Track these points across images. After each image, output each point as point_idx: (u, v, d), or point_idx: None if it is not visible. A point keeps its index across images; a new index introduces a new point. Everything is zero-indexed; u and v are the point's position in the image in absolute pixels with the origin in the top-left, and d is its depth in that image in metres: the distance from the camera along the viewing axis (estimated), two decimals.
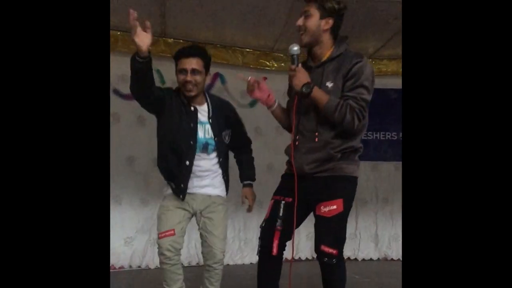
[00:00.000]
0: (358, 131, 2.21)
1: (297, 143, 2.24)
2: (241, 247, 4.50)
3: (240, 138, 2.69)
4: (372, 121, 4.78)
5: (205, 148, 2.49)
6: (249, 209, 2.67)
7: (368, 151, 4.98)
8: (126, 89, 4.04)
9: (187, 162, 2.45)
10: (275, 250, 2.20)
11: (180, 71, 2.41)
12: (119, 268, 4.06)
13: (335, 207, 2.16)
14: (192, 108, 2.46)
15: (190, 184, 2.48)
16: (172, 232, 2.46)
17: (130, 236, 4.12)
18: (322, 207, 2.17)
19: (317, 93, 2.12)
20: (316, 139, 2.17)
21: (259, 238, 2.30)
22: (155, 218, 4.01)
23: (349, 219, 4.75)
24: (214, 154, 2.52)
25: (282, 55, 4.56)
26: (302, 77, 2.15)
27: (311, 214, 2.28)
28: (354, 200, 2.25)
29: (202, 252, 2.57)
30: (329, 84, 2.16)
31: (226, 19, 3.80)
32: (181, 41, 4.22)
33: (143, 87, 2.27)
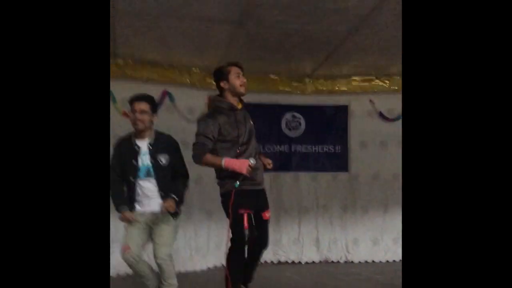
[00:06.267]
0: None
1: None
2: (192, 255, 4.43)
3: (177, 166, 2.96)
4: (311, 136, 4.93)
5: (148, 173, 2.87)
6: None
7: (308, 163, 5.05)
8: None
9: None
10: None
11: (133, 111, 2.89)
12: None
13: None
14: (136, 147, 2.89)
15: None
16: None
17: None
18: (266, 214, 2.88)
19: None
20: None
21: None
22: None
23: (292, 225, 4.89)
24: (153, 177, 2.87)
25: None
26: None
27: None
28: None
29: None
30: None
31: (172, 41, 3.81)
32: (131, 62, 4.20)
33: None
